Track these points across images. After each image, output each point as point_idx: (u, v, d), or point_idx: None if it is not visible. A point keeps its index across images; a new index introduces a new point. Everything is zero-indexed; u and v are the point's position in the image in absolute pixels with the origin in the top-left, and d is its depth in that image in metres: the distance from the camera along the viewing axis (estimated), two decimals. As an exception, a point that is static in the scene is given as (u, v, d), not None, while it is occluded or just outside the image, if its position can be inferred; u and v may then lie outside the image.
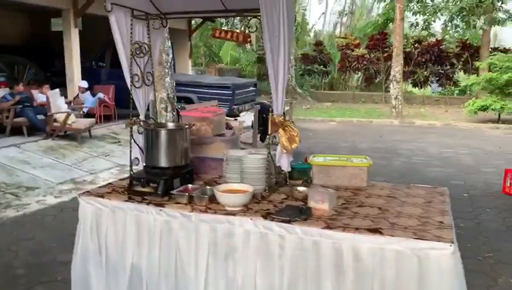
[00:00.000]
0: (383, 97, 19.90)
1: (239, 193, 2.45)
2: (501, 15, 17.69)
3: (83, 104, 9.71)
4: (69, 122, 8.03)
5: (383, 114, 15.36)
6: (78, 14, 10.15)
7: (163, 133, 2.72)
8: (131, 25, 2.84)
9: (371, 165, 2.89)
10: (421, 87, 21.06)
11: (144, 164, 2.85)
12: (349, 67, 20.82)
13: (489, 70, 13.68)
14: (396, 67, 14.54)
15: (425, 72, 20.34)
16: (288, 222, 2.21)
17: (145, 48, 2.95)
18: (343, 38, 21.89)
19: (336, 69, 21.86)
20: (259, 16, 2.52)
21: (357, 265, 2.07)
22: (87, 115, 9.59)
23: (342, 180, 2.89)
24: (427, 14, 18.82)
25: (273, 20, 2.40)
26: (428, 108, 17.79)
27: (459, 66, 20.13)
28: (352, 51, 20.39)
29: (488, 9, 17.00)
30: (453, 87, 20.71)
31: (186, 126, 2.78)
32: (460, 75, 21.06)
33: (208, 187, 2.65)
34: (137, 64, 2.91)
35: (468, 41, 20.48)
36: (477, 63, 14.91)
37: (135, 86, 2.92)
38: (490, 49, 18.37)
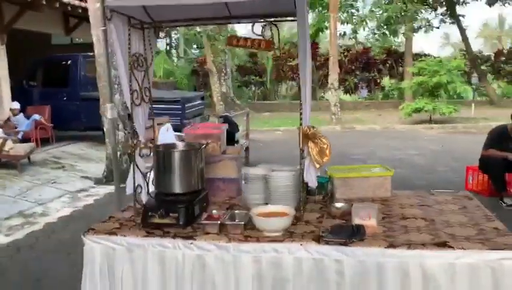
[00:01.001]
0: (317, 105, 20.43)
1: (277, 215, 2.21)
2: (419, 23, 18.97)
3: (16, 127, 8.80)
4: (5, 148, 7.19)
5: (323, 121, 15.67)
6: (3, 30, 9.23)
7: (177, 155, 2.41)
8: (129, 35, 2.50)
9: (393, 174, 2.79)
10: (352, 94, 22.03)
11: (155, 192, 2.51)
12: (284, 77, 21.17)
13: (419, 74, 14.48)
14: (334, 75, 14.95)
15: (355, 79, 21.31)
16: (345, 244, 2.01)
17: (141, 60, 2.62)
18: (277, 49, 22.18)
19: (270, 80, 22.13)
20: (271, 21, 2.34)
21: (427, 284, 1.93)
22: (23, 139, 8.70)
23: (366, 191, 2.75)
24: (355, 23, 19.71)
25: (305, 28, 2.22)
26: (362, 113, 18.49)
27: (385, 72, 21.34)
28: (286, 61, 20.74)
29: (410, 18, 18.15)
30: (380, 93, 21.87)
31: (202, 145, 2.48)
32: (385, 81, 22.28)
33: (236, 212, 2.38)
34: (136, 79, 2.57)
35: (392, 49, 21.79)
36: (409, 68, 15.74)
37: (135, 104, 2.57)
38: (413, 56, 19.65)
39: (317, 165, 2.41)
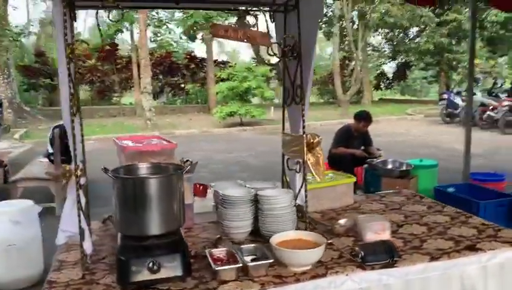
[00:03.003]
0: (120, 110, 19.31)
1: (302, 245, 1.84)
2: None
3: None
4: None
5: (137, 127, 14.88)
6: None
7: (156, 183, 1.74)
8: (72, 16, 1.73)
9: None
10: (157, 98, 21.59)
11: (120, 236, 1.79)
12: (81, 80, 19.22)
13: (228, 80, 15.11)
14: (146, 78, 14.32)
15: (160, 83, 20.98)
16: (391, 265, 1.80)
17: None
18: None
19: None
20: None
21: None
22: None
23: (333, 201, 2.59)
24: (156, 26, 19.37)
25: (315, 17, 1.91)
26: (171, 118, 18.29)
27: (188, 77, 21.66)
28: (84, 62, 18.91)
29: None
30: (185, 97, 22.11)
31: (185, 167, 1.88)
32: (188, 86, 22.65)
33: (243, 247, 1.88)
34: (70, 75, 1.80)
35: (193, 54, 22.24)
36: (221, 73, 16.19)
37: (73, 114, 1.80)
38: (214, 61, 20.49)
39: (318, 179, 2.12)
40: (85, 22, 27.35)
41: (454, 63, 22.28)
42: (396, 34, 24.59)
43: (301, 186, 2.11)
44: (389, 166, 5.67)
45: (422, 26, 21.76)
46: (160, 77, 20.89)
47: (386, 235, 2.05)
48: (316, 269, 1.77)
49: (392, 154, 6.68)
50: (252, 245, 1.90)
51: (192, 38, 20.44)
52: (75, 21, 2.01)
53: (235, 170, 8.07)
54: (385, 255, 1.84)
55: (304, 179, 2.08)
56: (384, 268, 1.79)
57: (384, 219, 2.12)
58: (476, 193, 4.63)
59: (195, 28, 17.87)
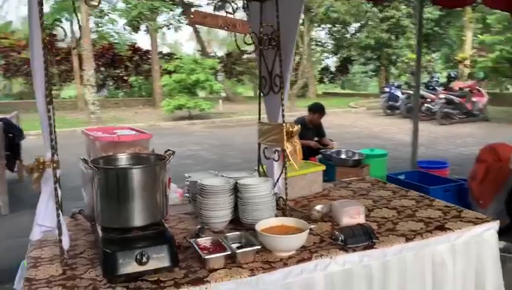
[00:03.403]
0: (60, 104, 18.42)
1: (287, 231, 1.87)
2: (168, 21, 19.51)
3: None
4: None
5: (80, 121, 14.26)
6: None
7: (140, 173, 1.70)
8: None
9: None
10: (98, 91, 20.78)
11: (100, 228, 1.73)
12: (17, 72, 18.13)
13: (174, 72, 14.84)
14: (89, 71, 13.77)
15: (101, 76, 20.21)
16: (371, 246, 1.89)
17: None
18: (3, 38, 18.71)
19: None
20: None
21: (439, 268, 2.00)
22: None
23: (303, 189, 2.65)
24: (98, 16, 18.61)
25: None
26: (115, 111, 17.74)
27: (132, 69, 21.05)
28: (19, 53, 17.83)
29: (155, 16, 18.40)
30: (128, 90, 21.47)
31: (168, 156, 1.84)
32: (131, 78, 22.00)
33: (228, 235, 1.88)
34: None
35: (137, 45, 21.61)
36: (167, 65, 15.80)
37: (49, 103, 1.72)
38: (158, 53, 20.05)
39: (296, 167, 2.16)
40: (17, 10, 25.69)
41: (393, 57, 23.31)
42: (338, 29, 25.31)
43: (280, 175, 2.14)
44: (343, 156, 5.85)
45: (363, 22, 22.56)
46: (102, 69, 20.15)
47: (361, 219, 2.13)
48: (300, 253, 1.81)
49: (342, 145, 6.90)
50: (237, 233, 1.91)
51: (136, 29, 19.88)
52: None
53: (190, 164, 7.98)
54: (364, 237, 1.92)
55: (284, 167, 2.11)
56: (364, 250, 1.87)
57: (359, 204, 2.21)
58: (424, 179, 4.92)
59: (139, 18, 17.38)
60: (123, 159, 1.87)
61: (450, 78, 14.60)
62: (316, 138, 6.45)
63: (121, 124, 14.00)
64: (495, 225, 2.14)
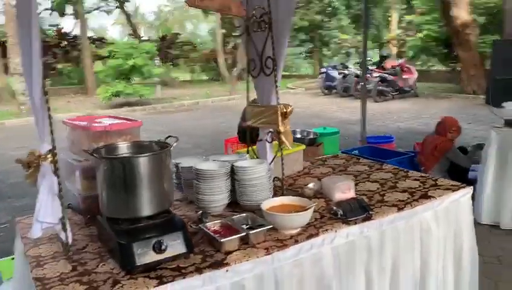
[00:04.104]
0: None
1: (292, 209, 1.92)
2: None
3: None
4: None
5: (9, 113, 13.30)
6: None
7: (146, 161, 1.66)
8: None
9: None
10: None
11: (106, 219, 1.67)
12: None
13: (108, 57, 14.24)
14: (16, 58, 12.76)
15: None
16: (369, 218, 1.99)
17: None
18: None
19: None
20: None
21: (425, 235, 2.16)
22: None
23: (288, 168, 2.69)
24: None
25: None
26: (46, 101, 16.71)
27: (60, 56, 19.88)
28: None
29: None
30: (56, 78, 20.28)
31: (172, 143, 1.81)
32: (60, 65, 20.80)
33: (234, 217, 1.90)
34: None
35: (63, 30, 20.39)
36: (100, 51, 15.07)
37: (45, 94, 1.63)
38: (88, 38, 19.08)
39: (290, 147, 2.21)
40: None
41: (326, 39, 23.98)
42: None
43: (275, 155, 2.18)
44: (298, 135, 6.00)
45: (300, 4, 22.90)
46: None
47: (351, 193, 2.23)
48: (307, 229, 1.88)
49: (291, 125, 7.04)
50: (243, 214, 1.93)
51: (61, 13, 18.72)
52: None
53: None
54: (361, 210, 2.02)
55: (280, 148, 2.15)
56: (363, 222, 1.97)
57: (348, 179, 2.31)
58: (376, 153, 5.19)
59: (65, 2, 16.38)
60: (124, 147, 1.81)
61: (382, 58, 15.34)
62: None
63: (54, 113, 13.19)
64: (469, 191, 2.34)
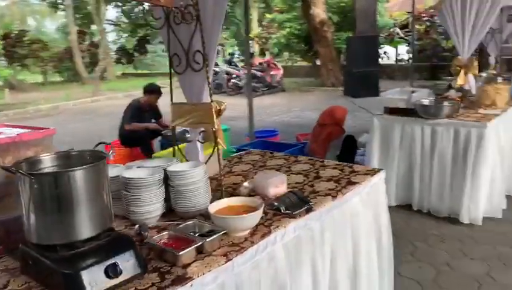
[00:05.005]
0: None
1: (242, 210, 1.83)
2: None
3: None
4: None
5: None
6: None
7: (84, 174, 1.41)
8: None
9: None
10: None
11: (34, 247, 1.38)
12: None
13: None
14: None
15: None
16: (311, 210, 2.01)
17: None
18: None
19: None
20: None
21: (355, 219, 2.27)
22: None
23: (211, 168, 2.59)
24: None
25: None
26: None
27: None
28: None
29: None
30: None
31: (108, 153, 1.57)
32: None
33: (180, 226, 1.73)
34: None
35: None
36: None
37: None
38: None
39: (224, 146, 2.11)
40: None
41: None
42: (132, 7, 24.52)
43: (210, 155, 2.06)
44: (188, 135, 5.86)
45: None
46: None
47: (284, 188, 2.23)
48: (257, 229, 1.81)
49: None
50: (189, 222, 1.78)
51: None
52: None
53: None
54: (301, 203, 2.03)
55: (217, 148, 2.04)
56: (307, 214, 1.98)
57: (280, 174, 2.30)
58: (269, 147, 5.32)
59: None
60: (48, 160, 1.51)
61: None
62: (153, 120, 6.27)
63: None
64: (383, 174, 2.53)
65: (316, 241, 2.01)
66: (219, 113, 2.02)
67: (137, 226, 1.80)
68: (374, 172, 2.50)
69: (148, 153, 6.00)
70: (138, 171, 1.95)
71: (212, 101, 1.99)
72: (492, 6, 4.43)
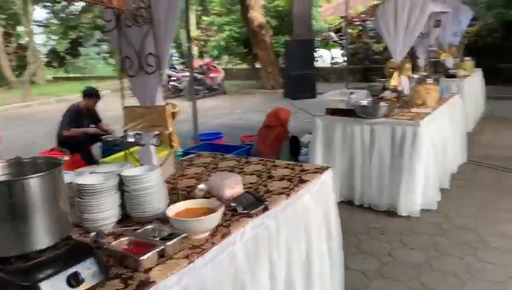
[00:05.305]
0: None
1: (197, 213, 1.85)
2: None
3: None
4: None
5: None
6: None
7: (39, 181, 1.36)
8: None
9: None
10: None
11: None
12: None
13: None
14: None
15: None
16: (267, 209, 2.06)
17: None
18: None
19: None
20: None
21: (306, 213, 2.35)
22: None
23: (164, 171, 2.57)
24: None
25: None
26: None
27: None
28: None
29: None
30: None
31: (62, 159, 1.51)
32: None
33: (139, 231, 1.71)
34: None
35: None
36: None
37: None
38: None
39: (179, 149, 2.10)
40: None
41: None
42: (62, 8, 23.44)
43: (166, 158, 2.04)
44: (131, 139, 5.71)
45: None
46: None
47: (239, 188, 2.27)
48: (217, 230, 1.83)
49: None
50: (149, 227, 1.76)
51: None
52: None
53: None
54: (257, 202, 2.08)
55: (172, 151, 2.03)
56: (263, 213, 2.03)
57: (235, 174, 2.33)
58: (216, 150, 5.33)
59: None
60: (3, 166, 1.44)
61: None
62: (92, 125, 6.06)
63: None
64: (331, 172, 2.64)
65: (273, 239, 2.06)
66: (173, 115, 2.02)
67: (93, 233, 1.75)
68: (322, 170, 2.61)
69: (87, 159, 5.79)
70: (91, 177, 1.91)
71: (167, 103, 1.99)
72: (421, 11, 4.76)
